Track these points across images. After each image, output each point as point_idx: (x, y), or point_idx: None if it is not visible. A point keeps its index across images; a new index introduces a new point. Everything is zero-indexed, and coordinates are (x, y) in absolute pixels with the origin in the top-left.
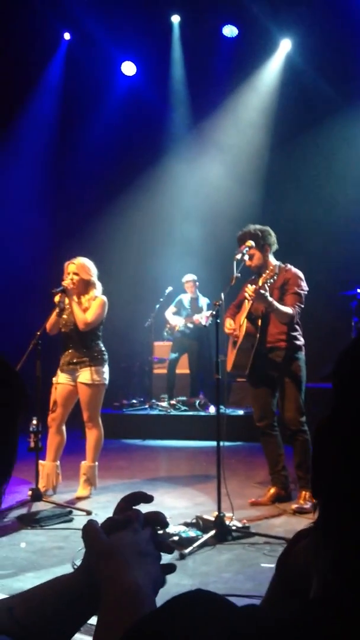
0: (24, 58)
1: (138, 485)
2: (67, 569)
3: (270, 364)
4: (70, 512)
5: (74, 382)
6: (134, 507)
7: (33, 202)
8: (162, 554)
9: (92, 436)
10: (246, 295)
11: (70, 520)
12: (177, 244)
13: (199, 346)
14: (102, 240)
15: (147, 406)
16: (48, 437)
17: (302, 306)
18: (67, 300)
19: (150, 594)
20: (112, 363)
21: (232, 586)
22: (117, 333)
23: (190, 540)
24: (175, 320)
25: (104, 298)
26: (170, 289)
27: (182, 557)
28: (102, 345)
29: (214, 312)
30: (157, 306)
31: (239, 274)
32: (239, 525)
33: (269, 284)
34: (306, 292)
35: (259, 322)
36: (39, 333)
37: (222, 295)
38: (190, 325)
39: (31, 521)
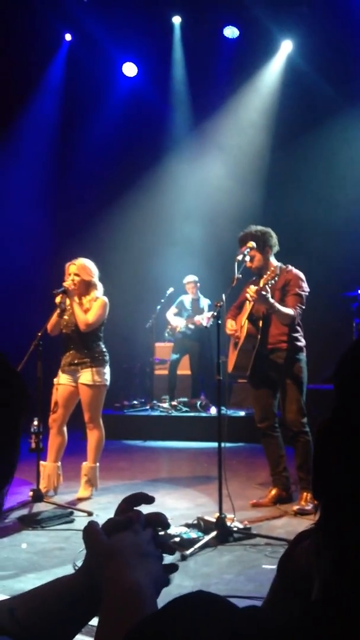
0: (25, 58)
1: (139, 486)
2: (68, 570)
3: (271, 365)
4: (72, 513)
5: (75, 383)
6: (135, 508)
7: (34, 202)
8: (163, 555)
9: (93, 437)
10: (247, 296)
11: (71, 521)
12: (178, 244)
13: (200, 347)
14: (103, 241)
15: (148, 407)
16: (49, 438)
17: (303, 307)
18: (68, 301)
19: (152, 595)
20: (113, 364)
21: (234, 587)
22: (118, 334)
23: (191, 542)
24: (177, 322)
25: (105, 299)
26: (171, 290)
27: (184, 558)
28: (103, 346)
29: (215, 313)
30: (158, 307)
31: (240, 275)
32: (240, 526)
33: (270, 285)
34: (307, 293)
35: (260, 323)
36: (40, 334)
37: (223, 297)
38: (192, 327)
39: (32, 522)
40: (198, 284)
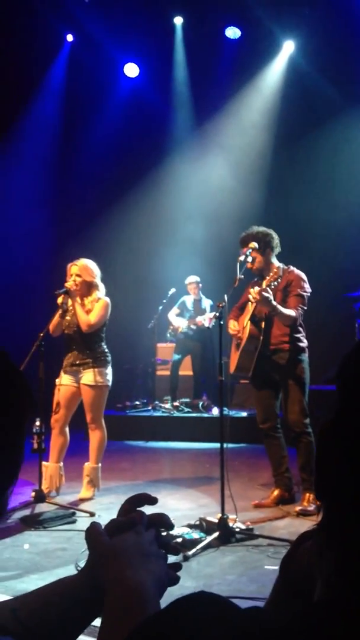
0: (27, 59)
1: (141, 487)
2: (71, 570)
3: (273, 366)
4: (74, 514)
5: (77, 383)
6: (137, 509)
7: (36, 203)
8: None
9: (95, 438)
10: (250, 297)
11: (74, 522)
12: (180, 245)
13: (202, 348)
14: (105, 242)
15: (150, 408)
16: (51, 438)
17: (305, 308)
18: (70, 302)
19: (154, 596)
20: (115, 364)
21: (236, 588)
22: (120, 334)
23: (193, 542)
24: (179, 322)
25: (107, 299)
26: (173, 290)
27: (186, 559)
28: (105, 346)
29: (217, 314)
30: (160, 308)
31: (242, 276)
32: (243, 527)
33: (272, 287)
34: (309, 294)
35: (263, 324)
36: (42, 334)
37: (226, 297)
38: (194, 327)
39: (34, 522)
40: (200, 285)
